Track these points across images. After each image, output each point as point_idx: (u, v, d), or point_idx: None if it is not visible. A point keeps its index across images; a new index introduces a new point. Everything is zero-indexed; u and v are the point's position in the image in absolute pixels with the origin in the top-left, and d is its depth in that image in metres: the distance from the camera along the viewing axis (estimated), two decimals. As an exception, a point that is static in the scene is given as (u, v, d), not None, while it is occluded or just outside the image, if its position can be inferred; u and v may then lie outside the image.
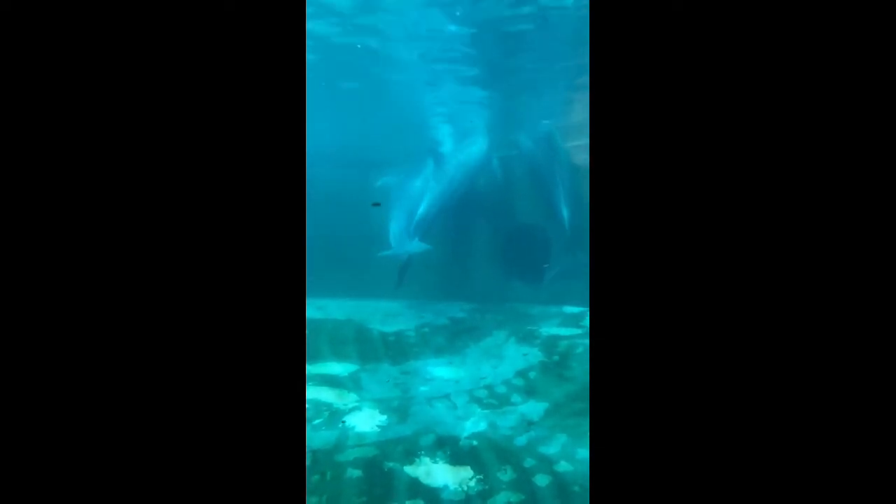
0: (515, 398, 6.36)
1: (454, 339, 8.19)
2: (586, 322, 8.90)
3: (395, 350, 7.66)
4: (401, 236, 9.19)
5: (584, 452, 5.15)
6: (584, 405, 6.10)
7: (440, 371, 7.09)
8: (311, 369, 6.76)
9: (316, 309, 8.91)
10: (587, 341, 7.98)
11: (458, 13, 7.19)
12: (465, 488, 4.65)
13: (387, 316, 8.96)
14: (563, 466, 4.94)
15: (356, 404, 6.01)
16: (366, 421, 5.67)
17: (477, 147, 10.94)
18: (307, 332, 7.56)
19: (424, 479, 4.74)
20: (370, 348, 7.62)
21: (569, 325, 8.76)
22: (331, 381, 6.54)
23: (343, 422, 5.61)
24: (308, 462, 4.86)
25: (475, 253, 10.78)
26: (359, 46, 8.32)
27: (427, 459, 5.03)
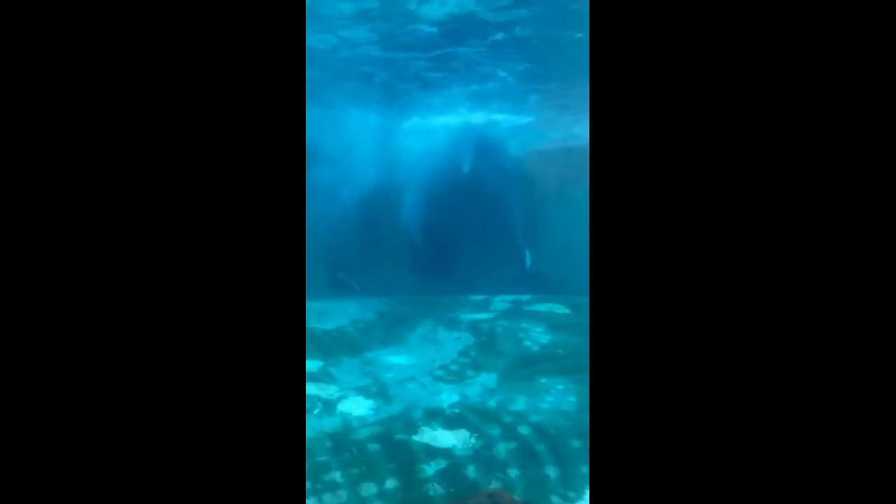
0: (469, 372, 7.49)
1: (389, 330, 9.02)
2: (495, 306, 10.35)
3: (344, 345, 8.26)
4: None
5: (544, 405, 6.50)
6: (527, 371, 7.46)
7: (394, 359, 7.91)
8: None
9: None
10: (504, 322, 9.41)
11: None
12: (470, 444, 5.67)
13: (317, 314, 9.41)
14: (533, 418, 6.21)
15: (341, 394, 6.61)
16: (357, 406, 6.33)
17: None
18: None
19: (434, 444, 5.64)
20: (321, 345, 8.11)
21: (480, 310, 10.11)
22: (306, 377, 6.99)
23: (338, 409, 6.21)
24: (330, 444, 5.45)
25: (387, 249, 11.59)
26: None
27: (427, 429, 5.93)
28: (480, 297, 10.80)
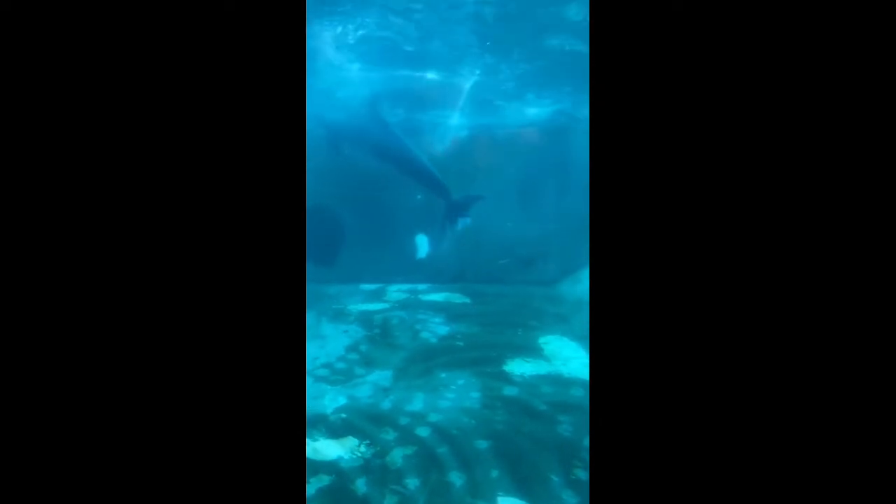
0: (359, 371, 6.57)
1: (267, 325, 7.84)
2: (390, 296, 9.49)
3: (210, 343, 6.99)
4: None
5: (445, 403, 5.76)
6: (426, 365, 6.69)
7: (271, 357, 6.79)
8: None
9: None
10: (401, 313, 8.58)
11: None
12: (359, 454, 4.78)
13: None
14: (434, 417, 5.44)
15: (200, 402, 5.42)
16: (221, 416, 5.19)
17: None
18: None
19: (317, 457, 4.68)
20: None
21: (372, 300, 9.20)
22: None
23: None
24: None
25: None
26: None
27: (308, 440, 4.95)
28: (373, 287, 9.89)
